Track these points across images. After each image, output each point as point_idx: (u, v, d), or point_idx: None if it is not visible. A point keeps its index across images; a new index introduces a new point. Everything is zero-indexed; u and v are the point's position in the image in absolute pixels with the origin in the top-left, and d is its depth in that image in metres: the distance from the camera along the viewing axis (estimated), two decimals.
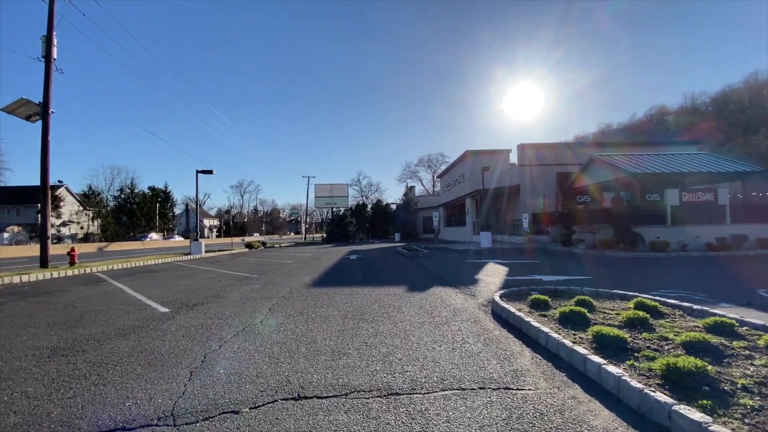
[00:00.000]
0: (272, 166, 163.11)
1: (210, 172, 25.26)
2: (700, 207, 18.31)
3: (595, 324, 4.72)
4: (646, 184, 19.09)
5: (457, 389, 3.13)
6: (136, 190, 65.84)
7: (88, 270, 13.45)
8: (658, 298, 5.96)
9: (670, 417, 2.54)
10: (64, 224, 58.56)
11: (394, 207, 61.42)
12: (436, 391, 3.09)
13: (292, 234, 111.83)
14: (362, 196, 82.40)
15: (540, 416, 2.69)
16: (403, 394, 3.04)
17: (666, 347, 3.90)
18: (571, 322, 4.77)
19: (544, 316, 5.23)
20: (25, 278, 10.95)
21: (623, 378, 3.00)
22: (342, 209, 53.75)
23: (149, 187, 68.31)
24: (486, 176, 27.20)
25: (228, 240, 50.08)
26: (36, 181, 13.78)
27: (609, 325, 4.65)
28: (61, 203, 56.88)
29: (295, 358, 3.92)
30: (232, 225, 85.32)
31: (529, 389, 3.14)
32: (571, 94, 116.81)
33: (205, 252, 23.45)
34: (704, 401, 2.72)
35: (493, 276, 10.14)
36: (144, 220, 63.57)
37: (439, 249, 22.07)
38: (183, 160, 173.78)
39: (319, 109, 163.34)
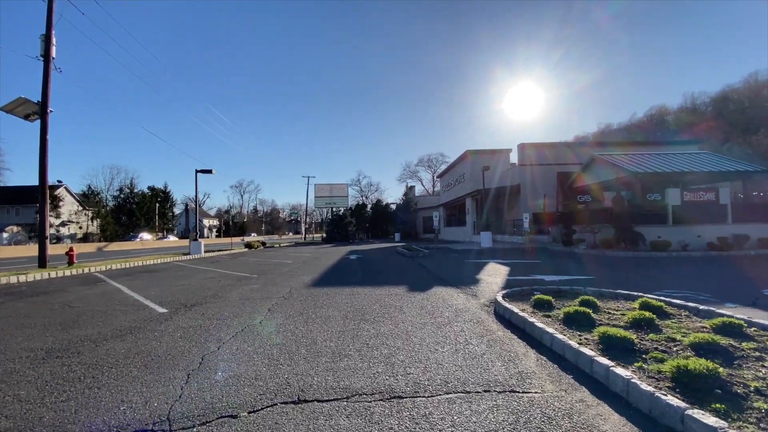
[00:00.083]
0: (272, 166, 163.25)
1: (209, 171, 25.18)
2: (701, 206, 18.23)
3: (601, 325, 4.63)
4: (648, 183, 19.02)
5: (462, 392, 3.04)
6: (135, 190, 65.82)
7: (86, 270, 13.36)
8: (663, 298, 5.88)
9: (683, 421, 2.45)
10: (63, 224, 58.42)
11: (394, 207, 61.35)
12: (440, 395, 3.01)
13: (292, 234, 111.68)
14: (362, 196, 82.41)
15: (548, 420, 2.61)
16: (406, 398, 2.95)
17: (674, 349, 3.81)
18: (576, 322, 4.68)
19: (548, 316, 5.14)
20: (22, 278, 10.87)
21: (632, 381, 2.92)
22: (342, 209, 53.67)
23: (149, 187, 68.29)
24: (486, 176, 27.14)
25: (227, 240, 50.02)
26: (35, 181, 13.70)
27: (614, 325, 4.57)
28: (61, 203, 56.73)
29: (295, 359, 3.83)
30: (231, 225, 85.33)
31: (536, 392, 3.06)
32: (571, 94, 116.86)
33: (205, 252, 23.36)
34: (717, 405, 2.64)
35: (494, 276, 10.06)
36: (143, 220, 63.48)
37: (439, 249, 21.99)
38: (182, 160, 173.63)
39: (319, 109, 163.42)
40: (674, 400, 2.60)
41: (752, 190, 25.38)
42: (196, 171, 24.90)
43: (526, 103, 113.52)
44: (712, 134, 46.77)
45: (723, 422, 2.33)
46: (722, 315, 4.78)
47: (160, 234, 66.55)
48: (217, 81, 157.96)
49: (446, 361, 3.72)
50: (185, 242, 54.58)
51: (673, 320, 4.87)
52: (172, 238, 62.78)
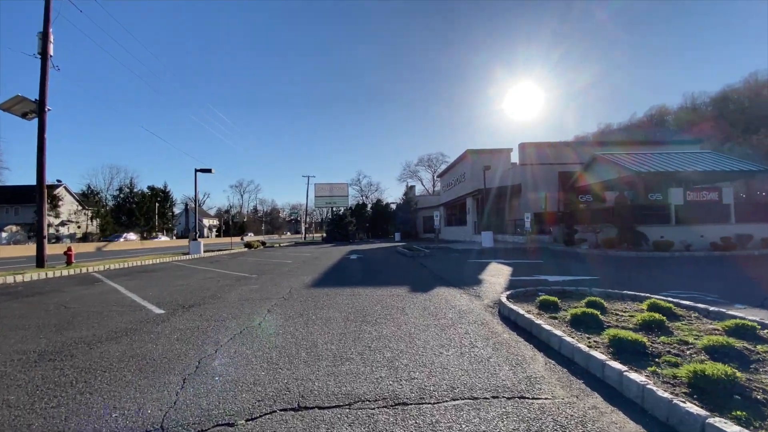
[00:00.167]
0: (272, 166, 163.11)
1: (209, 171, 25.04)
2: (704, 206, 18.08)
3: (609, 327, 4.51)
4: (650, 182, 18.89)
5: (469, 398, 2.91)
6: (135, 190, 65.55)
7: (84, 270, 13.23)
8: (671, 299, 5.75)
9: (704, 430, 2.33)
10: (62, 224, 58.33)
11: (394, 207, 61.27)
12: (447, 401, 2.88)
13: (289, 234, 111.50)
14: (362, 196, 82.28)
15: (561, 429, 2.48)
16: (411, 404, 2.82)
17: (687, 352, 3.69)
18: (584, 324, 4.56)
19: (555, 318, 5.02)
20: (19, 278, 10.73)
21: (648, 387, 2.79)
22: (342, 209, 53.57)
23: (149, 187, 67.98)
24: (487, 176, 27.02)
25: (227, 240, 49.84)
26: (34, 181, 13.56)
27: (623, 327, 4.44)
28: (60, 203, 56.65)
29: (295, 363, 3.70)
30: (231, 225, 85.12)
31: (546, 398, 2.93)
32: (570, 94, 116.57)
33: (204, 252, 23.22)
34: (738, 412, 2.52)
35: (497, 276, 9.93)
36: (143, 219, 63.23)
37: (440, 249, 21.85)
38: (182, 160, 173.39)
39: (318, 109, 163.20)
40: (694, 408, 2.48)
41: (755, 190, 25.25)
42: (196, 170, 24.78)
43: (526, 103, 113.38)
44: (712, 134, 46.66)
45: (746, 431, 2.22)
46: (734, 317, 4.66)
47: (151, 234, 64.29)
48: (217, 81, 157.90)
49: (452, 365, 3.59)
50: (178, 242, 53.92)
51: (683, 322, 4.74)
52: (163, 237, 60.77)
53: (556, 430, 2.47)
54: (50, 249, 24.10)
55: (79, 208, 63.32)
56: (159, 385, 3.19)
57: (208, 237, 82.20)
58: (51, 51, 13.17)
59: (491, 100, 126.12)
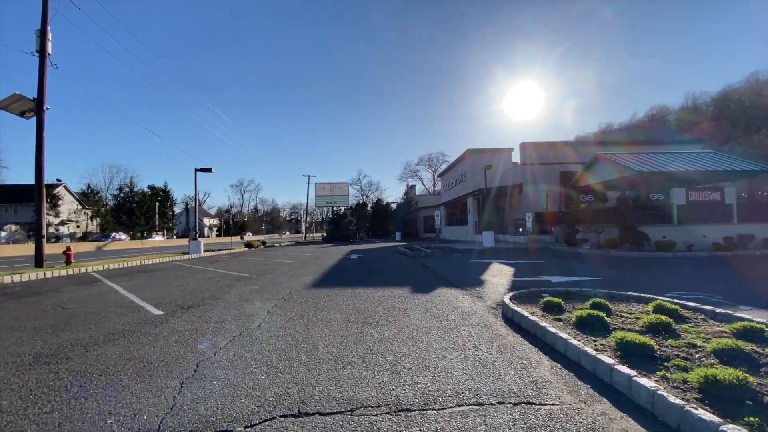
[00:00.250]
0: (272, 166, 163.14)
1: (209, 170, 24.95)
2: (706, 206, 17.99)
3: (615, 329, 4.43)
4: (652, 182, 18.80)
5: (475, 404, 2.83)
6: (135, 189, 65.50)
7: (83, 270, 13.15)
8: (677, 300, 5.66)
9: None
10: (62, 223, 58.32)
11: (394, 206, 61.21)
12: (451, 407, 2.79)
13: (288, 233, 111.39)
14: (362, 196, 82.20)
15: None
16: (414, 410, 2.74)
17: (696, 356, 3.61)
18: (590, 326, 4.47)
19: (559, 320, 4.93)
20: (17, 278, 10.64)
21: (659, 393, 2.71)
22: (342, 208, 53.46)
23: (149, 186, 67.95)
24: (488, 175, 26.93)
25: (227, 239, 49.71)
26: (33, 180, 13.47)
27: (630, 330, 4.37)
28: (60, 202, 56.63)
29: (295, 367, 3.62)
30: (232, 224, 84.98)
31: (554, 404, 2.85)
32: (571, 94, 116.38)
33: (204, 251, 23.14)
34: (750, 418, 2.45)
35: (499, 277, 9.85)
36: (143, 219, 63.16)
37: (441, 248, 21.76)
38: (183, 160, 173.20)
39: (319, 108, 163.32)
40: (707, 414, 2.40)
41: (757, 190, 25.13)
42: (196, 170, 24.69)
43: (526, 103, 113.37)
44: (713, 134, 46.59)
45: None
46: (741, 319, 4.59)
47: (151, 233, 63.41)
48: (217, 80, 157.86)
49: (456, 369, 3.51)
50: (175, 242, 53.20)
51: (690, 324, 4.66)
52: (157, 237, 59.61)
53: None
54: (49, 248, 24.01)
55: (79, 207, 63.32)
56: (156, 390, 3.11)
57: (208, 236, 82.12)
58: (49, 49, 13.08)
59: (491, 99, 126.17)
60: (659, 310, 4.99)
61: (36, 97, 12.87)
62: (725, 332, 4.28)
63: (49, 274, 11.74)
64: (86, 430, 2.53)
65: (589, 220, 19.40)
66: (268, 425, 2.56)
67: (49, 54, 13.08)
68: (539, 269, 11.46)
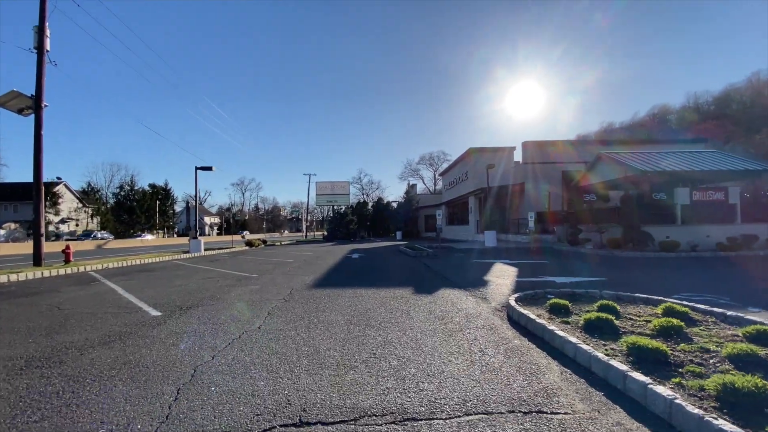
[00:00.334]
0: (273, 165, 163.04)
1: (209, 168, 24.82)
2: (710, 206, 17.88)
3: (625, 332, 4.31)
4: (655, 182, 18.65)
5: (483, 413, 2.70)
6: (136, 188, 65.40)
7: (82, 269, 13.03)
8: (686, 302, 5.53)
9: None
10: (62, 221, 58.29)
11: (395, 205, 61.11)
12: (459, 416, 2.67)
13: (287, 232, 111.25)
14: (363, 194, 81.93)
15: None
16: (421, 420, 2.61)
17: (710, 361, 3.49)
18: (598, 330, 4.35)
19: (567, 323, 4.81)
20: (14, 277, 10.51)
21: (676, 402, 2.58)
22: (343, 207, 53.39)
23: (149, 185, 67.92)
24: (490, 174, 26.77)
25: (228, 238, 49.61)
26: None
27: (640, 333, 4.24)
28: (60, 200, 56.58)
29: (296, 372, 3.49)
30: (232, 223, 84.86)
31: (566, 413, 2.72)
32: (572, 93, 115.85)
33: (205, 250, 23.01)
34: None
35: (502, 277, 9.72)
36: (144, 217, 63.07)
37: (442, 248, 21.62)
38: (183, 158, 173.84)
39: (319, 107, 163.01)
40: (727, 425, 2.28)
41: (760, 190, 24.97)
42: (196, 168, 24.55)
43: (527, 102, 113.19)
44: (715, 133, 46.44)
45: None
46: (753, 322, 4.46)
47: (141, 231, 60.40)
48: (219, 79, 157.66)
49: (462, 375, 3.38)
50: (168, 240, 52.64)
51: (701, 327, 4.54)
52: (148, 236, 56.37)
53: None
54: (49, 247, 23.92)
55: (80, 205, 63.25)
56: (151, 397, 2.98)
57: (209, 235, 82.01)
58: (48, 45, 12.95)
59: (492, 98, 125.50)
60: (669, 312, 4.86)
61: (34, 94, 12.74)
62: (737, 336, 4.16)
63: (47, 273, 11.62)
64: None
65: (592, 219, 19.27)
66: None
67: (47, 51, 12.95)
68: (543, 269, 11.34)
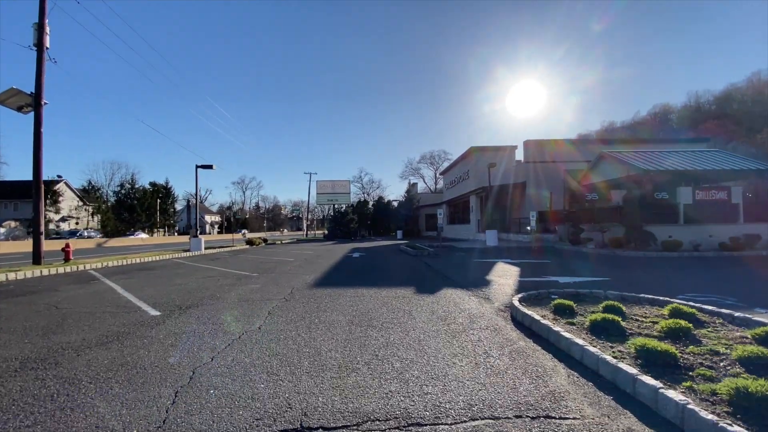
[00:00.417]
0: (274, 163, 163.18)
1: (210, 167, 24.73)
2: (712, 206, 17.76)
3: (632, 334, 4.23)
4: (658, 181, 18.53)
5: (490, 418, 2.62)
6: (136, 186, 65.30)
7: (81, 267, 12.96)
8: (692, 303, 5.44)
9: None
10: (63, 219, 58.26)
11: (395, 204, 61.05)
12: (465, 421, 2.58)
13: (287, 231, 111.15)
14: (364, 193, 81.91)
15: None
16: (425, 425, 2.53)
17: (721, 364, 3.41)
18: (605, 331, 4.27)
19: (572, 324, 4.72)
20: (12, 276, 10.43)
21: (689, 407, 2.50)
22: (344, 206, 53.35)
23: (150, 183, 67.86)
24: (491, 173, 26.66)
25: (229, 236, 49.53)
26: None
27: (647, 335, 4.16)
28: (60, 198, 56.52)
29: (297, 374, 3.41)
30: (233, 221, 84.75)
31: (575, 418, 2.64)
32: (573, 92, 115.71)
33: (205, 248, 22.95)
34: None
35: (505, 277, 9.64)
36: (144, 216, 62.99)
37: (443, 247, 21.53)
38: (184, 156, 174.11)
39: (321, 107, 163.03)
40: None
41: (763, 189, 24.86)
42: (197, 166, 24.47)
43: (528, 101, 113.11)
44: (716, 133, 46.42)
45: None
46: (762, 323, 4.38)
47: (134, 230, 58.75)
48: (221, 79, 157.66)
49: (467, 378, 3.30)
50: (162, 239, 51.90)
51: (709, 329, 4.45)
52: (142, 235, 55.29)
53: None
54: (50, 245, 23.85)
55: (80, 203, 63.19)
56: (148, 400, 2.90)
57: (209, 234, 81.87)
58: (47, 43, 12.86)
59: (494, 97, 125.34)
60: (676, 314, 4.78)
61: (34, 91, 12.66)
62: (746, 338, 4.08)
63: (46, 272, 11.55)
64: None
65: (594, 219, 19.17)
66: None
67: (47, 48, 12.86)
68: (545, 269, 11.26)
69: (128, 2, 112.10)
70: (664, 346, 3.45)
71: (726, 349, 3.73)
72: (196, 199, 26.35)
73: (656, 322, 4.63)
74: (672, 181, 18.41)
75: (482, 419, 2.60)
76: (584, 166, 24.34)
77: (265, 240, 33.20)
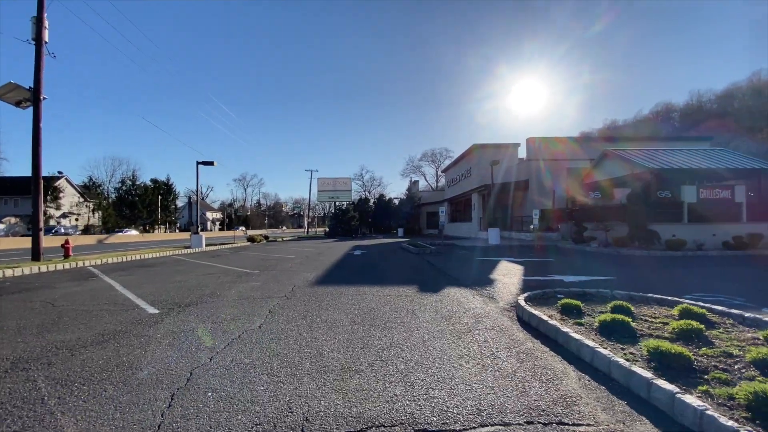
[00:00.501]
0: (275, 161, 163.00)
1: (211, 163, 24.60)
2: (716, 204, 17.62)
3: (642, 335, 4.11)
4: (662, 179, 18.39)
5: (500, 424, 2.50)
6: (137, 182, 65.29)
7: (81, 264, 12.86)
8: (701, 303, 5.32)
9: None
10: (64, 216, 58.17)
11: (397, 202, 60.85)
12: (474, 427, 2.47)
13: (286, 228, 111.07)
14: (365, 191, 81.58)
15: None
16: (433, 431, 2.42)
17: (736, 367, 3.29)
18: (614, 332, 4.14)
19: (580, 324, 4.60)
20: (9, 272, 10.30)
21: (708, 413, 2.38)
22: (345, 204, 53.19)
23: (151, 180, 67.81)
24: (494, 171, 26.51)
25: (230, 233, 49.38)
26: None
27: (658, 336, 4.04)
28: (61, 194, 56.43)
29: (298, 376, 3.29)
30: (234, 218, 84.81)
31: (588, 424, 2.52)
32: (575, 91, 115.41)
33: (206, 245, 22.81)
34: None
35: (509, 276, 9.51)
36: (146, 212, 62.96)
37: (445, 245, 21.41)
38: (186, 154, 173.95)
39: (321, 105, 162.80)
40: None
41: (765, 189, 24.72)
42: (198, 163, 24.33)
43: (530, 99, 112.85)
44: (718, 131, 46.31)
45: None
46: None
47: (123, 227, 56.76)
48: (222, 79, 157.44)
49: (474, 381, 3.18)
50: (152, 236, 50.91)
51: (720, 330, 4.33)
52: (133, 232, 53.08)
53: None
54: (50, 241, 23.80)
55: (81, 200, 63.13)
56: (143, 403, 2.78)
57: (211, 230, 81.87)
58: (46, 37, 12.72)
59: (496, 95, 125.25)
60: (686, 314, 4.65)
61: (32, 86, 12.53)
62: (758, 339, 3.96)
63: (44, 269, 11.44)
64: None
65: (598, 217, 19.02)
66: None
67: (45, 42, 12.72)
68: (549, 268, 11.14)
69: (128, 2, 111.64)
70: (678, 348, 3.33)
71: (739, 351, 3.61)
72: (197, 195, 26.24)
73: (666, 323, 4.51)
74: (675, 180, 18.26)
75: (492, 425, 2.49)
76: (587, 164, 24.20)
77: (266, 237, 33.08)
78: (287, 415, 2.61)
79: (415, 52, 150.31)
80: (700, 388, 2.86)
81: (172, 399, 2.85)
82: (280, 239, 35.19)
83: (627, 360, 3.33)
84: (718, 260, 13.02)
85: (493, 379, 3.21)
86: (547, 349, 4.02)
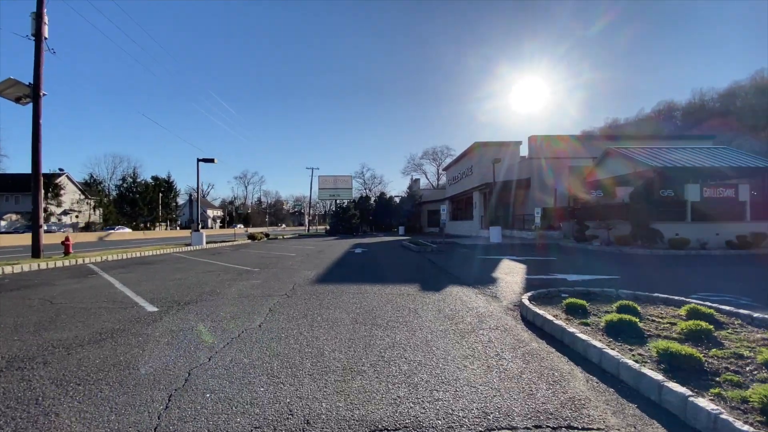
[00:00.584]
0: (276, 159, 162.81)
1: (211, 160, 24.51)
2: (720, 203, 17.51)
3: (650, 336, 4.03)
4: (665, 178, 18.27)
5: (507, 428, 2.42)
6: (138, 180, 65.23)
7: (81, 261, 12.80)
8: (709, 303, 5.23)
9: None
10: (65, 213, 58.20)
11: (398, 200, 60.77)
12: (481, 431, 2.39)
13: (284, 226, 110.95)
14: (366, 189, 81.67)
15: None
16: None
17: (747, 368, 3.21)
18: (622, 333, 4.06)
19: (586, 324, 4.52)
20: (8, 269, 10.24)
21: (722, 417, 2.30)
22: (346, 201, 53.07)
23: (152, 177, 67.71)
24: (495, 169, 26.40)
25: (231, 231, 49.30)
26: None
27: (666, 337, 3.96)
28: (62, 191, 56.44)
29: (299, 376, 3.22)
30: (235, 216, 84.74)
31: (599, 428, 2.44)
32: (577, 89, 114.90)
33: (207, 243, 22.77)
34: None
35: (511, 274, 9.42)
36: (146, 209, 62.89)
37: (446, 243, 21.33)
38: (187, 151, 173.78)
39: (322, 104, 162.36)
40: None
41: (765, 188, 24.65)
42: (198, 160, 24.26)
43: (532, 98, 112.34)
44: (720, 130, 46.17)
45: None
46: None
47: (114, 224, 55.30)
48: (223, 78, 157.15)
49: (479, 383, 3.10)
50: (150, 234, 50.25)
51: (729, 330, 4.25)
52: (125, 229, 51.22)
53: None
54: (51, 238, 23.75)
55: (82, 197, 63.14)
56: (139, 404, 2.71)
57: (212, 228, 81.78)
58: (46, 33, 12.63)
59: (497, 93, 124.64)
60: (694, 314, 4.57)
61: (32, 82, 12.45)
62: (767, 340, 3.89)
63: (44, 266, 11.38)
64: None
65: (600, 216, 18.92)
66: None
67: (45, 38, 12.63)
68: (552, 266, 11.06)
69: (130, 1, 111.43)
70: (688, 349, 3.25)
71: (750, 352, 3.53)
72: (198, 192, 26.17)
73: (674, 324, 4.42)
74: (679, 178, 18.14)
75: (499, 429, 2.41)
76: (589, 162, 24.09)
77: (266, 235, 33.02)
78: (288, 418, 2.53)
79: (415, 52, 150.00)
80: (712, 390, 2.78)
81: (169, 400, 2.77)
82: (281, 237, 35.14)
83: (636, 361, 3.25)
84: (722, 259, 12.92)
85: (498, 381, 3.13)
86: (553, 349, 3.94)
